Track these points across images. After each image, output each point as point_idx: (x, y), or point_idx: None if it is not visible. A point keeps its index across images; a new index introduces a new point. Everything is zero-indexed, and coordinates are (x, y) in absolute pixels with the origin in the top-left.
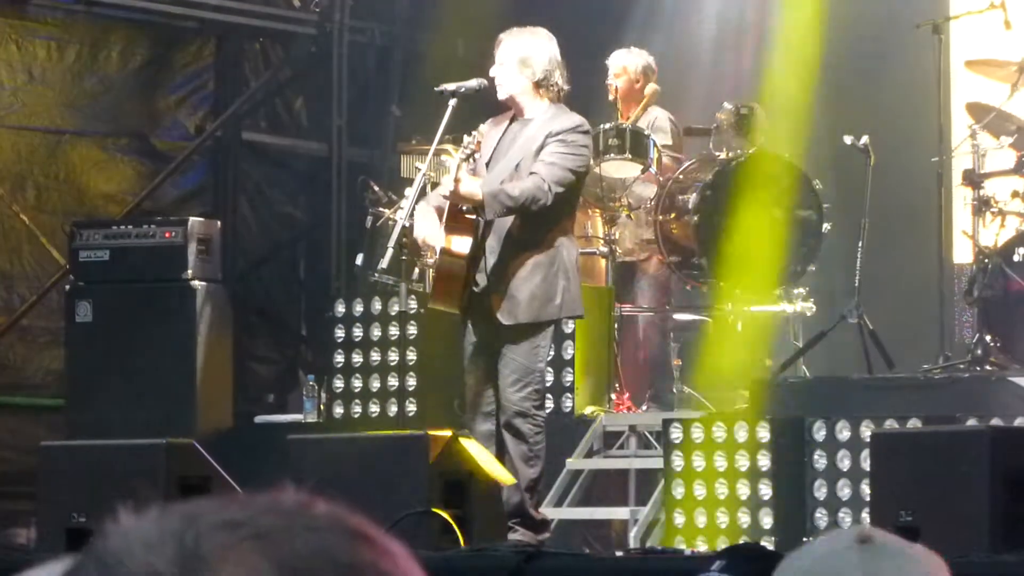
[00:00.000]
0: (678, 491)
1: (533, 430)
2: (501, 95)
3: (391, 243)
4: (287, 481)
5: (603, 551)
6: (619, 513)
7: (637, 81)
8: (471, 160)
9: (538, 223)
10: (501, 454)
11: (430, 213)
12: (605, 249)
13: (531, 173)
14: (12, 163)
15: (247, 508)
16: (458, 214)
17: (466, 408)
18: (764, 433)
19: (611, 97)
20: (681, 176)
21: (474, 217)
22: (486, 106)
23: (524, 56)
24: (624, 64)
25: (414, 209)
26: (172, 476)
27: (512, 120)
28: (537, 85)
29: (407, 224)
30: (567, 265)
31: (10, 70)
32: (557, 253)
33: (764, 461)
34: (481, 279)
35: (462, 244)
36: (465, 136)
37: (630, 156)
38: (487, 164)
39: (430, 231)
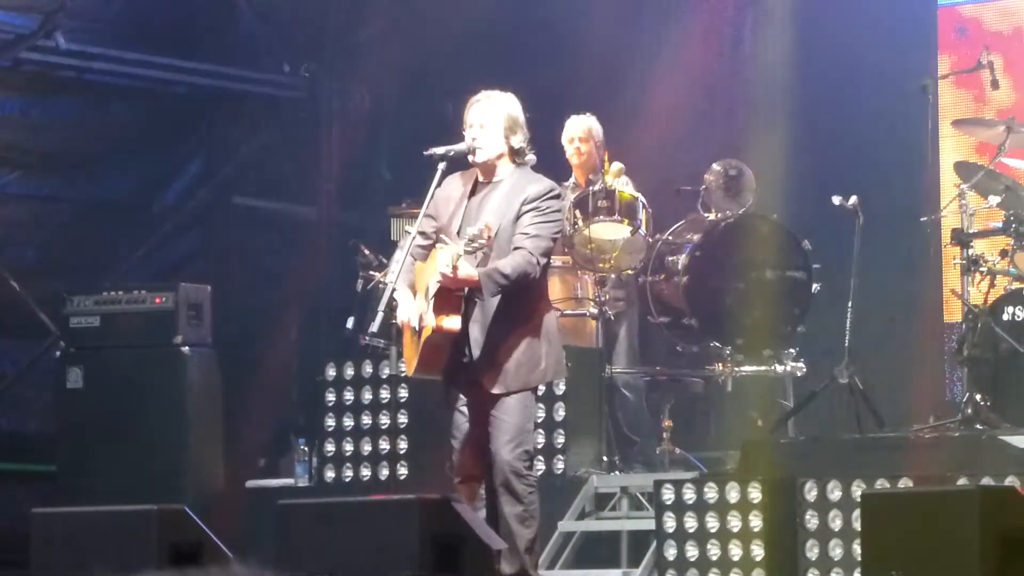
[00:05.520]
0: (670, 552)
1: (527, 489)
2: (480, 158)
3: (381, 306)
4: (277, 547)
5: None
6: (612, 575)
7: (599, 147)
8: (476, 255)
9: (518, 291)
10: (492, 518)
11: (406, 295)
12: (595, 310)
13: (516, 248)
14: (6, 229)
15: None
16: (448, 292)
17: (454, 472)
18: (756, 494)
19: (575, 161)
20: (670, 237)
21: (462, 294)
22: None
23: (512, 122)
24: (589, 128)
25: (400, 274)
26: (163, 542)
27: (476, 181)
28: (513, 150)
29: (396, 287)
30: (549, 329)
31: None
32: (539, 318)
33: (756, 521)
34: (467, 350)
35: (452, 322)
36: (471, 228)
37: (619, 218)
38: (457, 231)
39: (411, 311)
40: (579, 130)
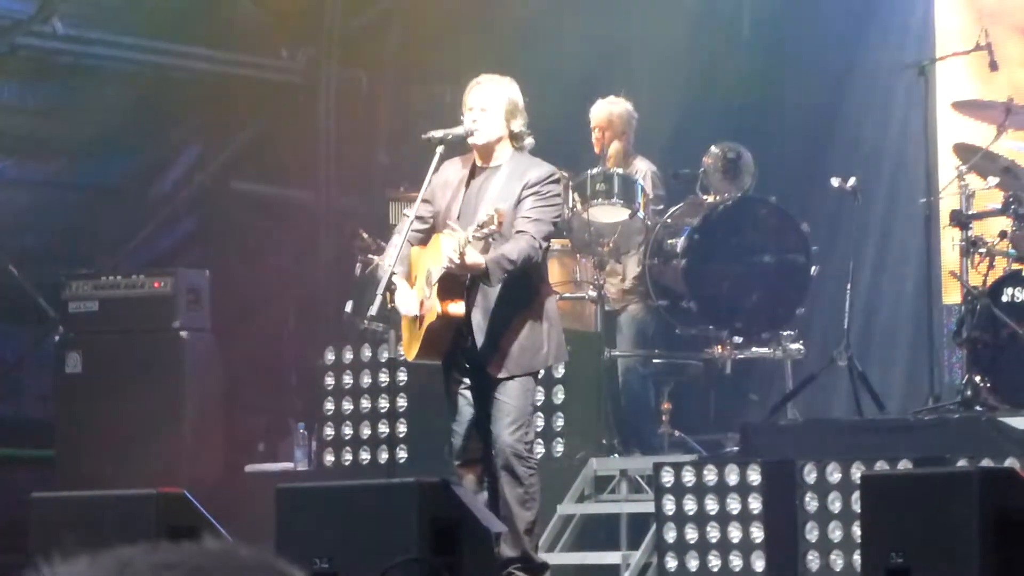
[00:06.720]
0: (670, 535)
1: (528, 471)
2: (479, 140)
3: (380, 290)
4: (276, 531)
5: None
6: (611, 558)
7: (623, 133)
8: (488, 240)
9: (520, 275)
10: (492, 501)
11: (403, 285)
12: (594, 294)
13: (519, 231)
14: (3, 215)
15: (179, 552)
16: (452, 278)
17: (454, 456)
18: (755, 476)
19: (597, 150)
20: (669, 220)
21: (466, 279)
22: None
23: (512, 106)
24: (608, 113)
25: (399, 257)
26: (162, 526)
27: (474, 165)
28: (512, 134)
29: (395, 271)
30: (550, 312)
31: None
32: (540, 302)
33: (755, 504)
34: (469, 334)
35: (457, 308)
36: (480, 214)
37: (618, 201)
38: (458, 216)
39: (408, 300)
40: (597, 118)
